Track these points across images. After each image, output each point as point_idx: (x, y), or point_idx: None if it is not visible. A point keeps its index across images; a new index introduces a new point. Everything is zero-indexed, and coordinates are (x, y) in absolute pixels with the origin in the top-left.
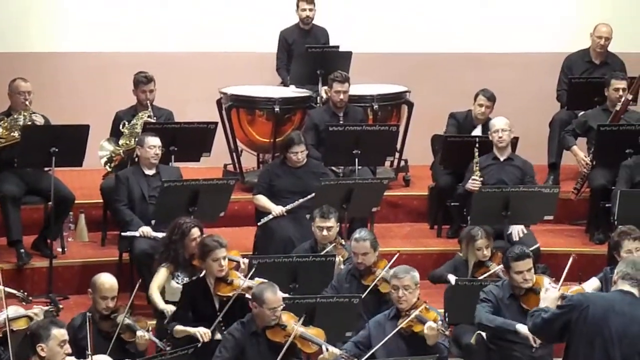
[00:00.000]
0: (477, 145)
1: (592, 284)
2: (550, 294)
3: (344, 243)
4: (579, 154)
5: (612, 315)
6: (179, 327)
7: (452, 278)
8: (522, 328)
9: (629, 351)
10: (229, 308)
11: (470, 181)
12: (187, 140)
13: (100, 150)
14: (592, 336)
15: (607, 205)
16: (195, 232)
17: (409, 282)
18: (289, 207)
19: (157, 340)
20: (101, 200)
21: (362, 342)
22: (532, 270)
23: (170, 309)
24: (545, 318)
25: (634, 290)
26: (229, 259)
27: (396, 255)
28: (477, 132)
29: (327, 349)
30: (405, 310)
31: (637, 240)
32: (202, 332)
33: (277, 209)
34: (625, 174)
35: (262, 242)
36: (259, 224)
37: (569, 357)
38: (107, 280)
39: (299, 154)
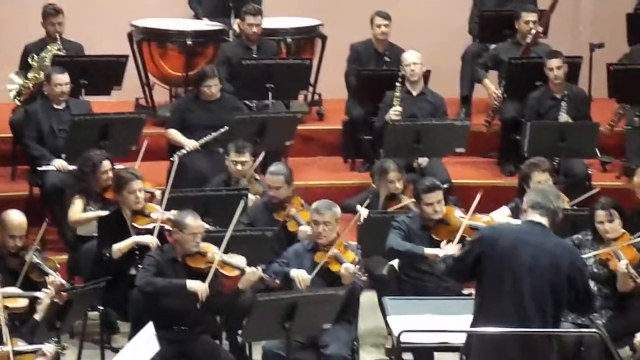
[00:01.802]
0: (399, 78)
1: (502, 213)
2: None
3: (258, 178)
4: (490, 86)
5: (522, 247)
6: (117, 246)
7: (361, 209)
8: (430, 251)
9: (538, 282)
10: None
11: (392, 111)
12: (98, 73)
13: (8, 83)
14: (503, 268)
15: (517, 137)
16: (106, 164)
17: (330, 218)
18: (202, 141)
19: (65, 283)
20: (10, 135)
21: (285, 264)
22: (442, 202)
23: (98, 214)
24: (457, 257)
25: (544, 220)
26: (144, 191)
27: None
28: (383, 65)
29: (249, 271)
30: (324, 246)
31: (546, 171)
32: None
33: (190, 143)
34: (530, 106)
35: (175, 176)
36: (171, 158)
37: (480, 290)
38: (15, 218)
39: (213, 87)
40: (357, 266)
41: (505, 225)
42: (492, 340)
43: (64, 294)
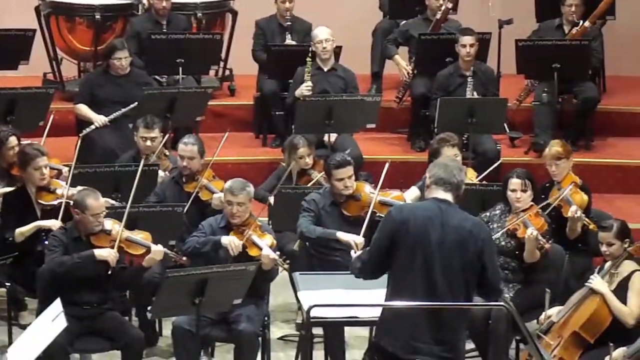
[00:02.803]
0: (310, 54)
1: (412, 194)
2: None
3: (167, 154)
4: (400, 62)
5: (431, 226)
6: (20, 230)
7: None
8: (342, 235)
9: (448, 260)
10: (51, 217)
11: (303, 86)
12: (4, 48)
13: None
14: (414, 248)
15: (427, 113)
16: (13, 140)
17: (244, 198)
18: (111, 117)
19: None
20: None
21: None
22: (353, 178)
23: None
24: (369, 249)
25: (448, 196)
26: (50, 167)
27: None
28: (288, 39)
29: (154, 249)
30: (237, 226)
31: (455, 147)
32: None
33: (99, 119)
34: (439, 83)
35: (84, 152)
36: (80, 134)
37: (392, 270)
38: None
39: (122, 60)
40: (277, 252)
41: (412, 205)
42: (402, 318)
43: None
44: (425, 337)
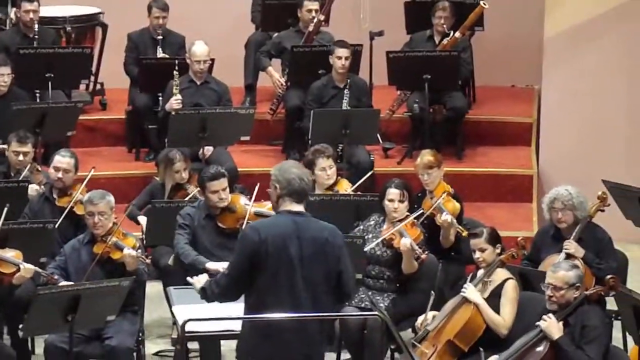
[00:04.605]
0: (176, 67)
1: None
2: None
3: (39, 168)
4: (274, 74)
5: (289, 242)
6: None
7: (142, 219)
8: (212, 265)
9: (310, 274)
10: None
11: (172, 100)
12: None
13: None
14: (276, 268)
15: (301, 125)
16: None
17: (104, 207)
18: None
19: None
20: None
21: (62, 267)
22: (227, 190)
23: None
24: (227, 273)
25: (300, 207)
26: None
27: (90, 172)
28: (160, 52)
29: (23, 267)
30: (102, 236)
31: (330, 158)
32: None
33: None
34: (313, 95)
35: None
36: None
37: (253, 290)
38: None
39: (5, 76)
40: (139, 250)
41: (267, 222)
42: (267, 336)
43: None
44: (291, 354)
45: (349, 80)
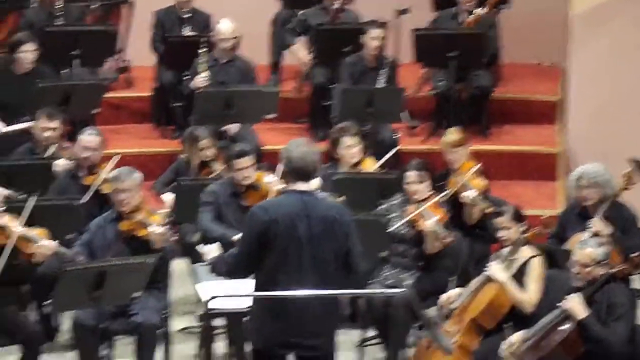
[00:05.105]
0: (202, 45)
1: (314, 182)
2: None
3: (66, 145)
4: (299, 52)
5: (298, 221)
6: None
7: (167, 197)
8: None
9: (319, 253)
10: None
11: (198, 78)
12: None
13: None
14: (285, 247)
15: (327, 103)
16: None
17: (131, 185)
18: (7, 129)
19: None
20: None
21: (87, 244)
22: (253, 168)
23: None
24: (236, 251)
25: (307, 186)
26: None
27: (117, 158)
28: (186, 30)
29: (45, 245)
30: (128, 213)
31: (355, 136)
32: None
33: None
34: (346, 71)
35: None
36: None
37: (262, 269)
38: None
39: (29, 53)
40: (165, 227)
41: (276, 202)
42: (276, 314)
43: None
44: (300, 331)
45: (384, 61)
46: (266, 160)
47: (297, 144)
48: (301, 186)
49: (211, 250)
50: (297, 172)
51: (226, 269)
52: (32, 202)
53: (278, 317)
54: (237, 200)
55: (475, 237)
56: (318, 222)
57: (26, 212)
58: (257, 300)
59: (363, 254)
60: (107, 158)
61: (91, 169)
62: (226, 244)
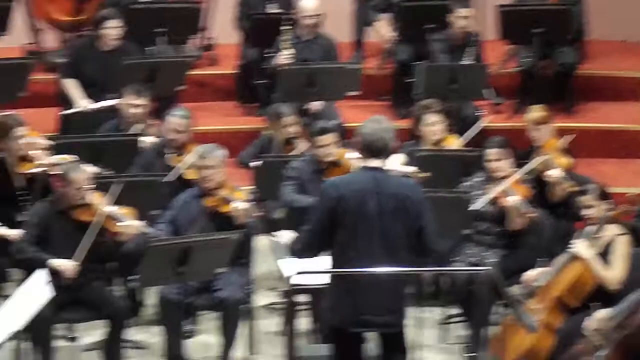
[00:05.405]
0: (286, 21)
1: (398, 159)
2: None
3: (151, 122)
4: (382, 29)
5: (368, 198)
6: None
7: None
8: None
9: (389, 230)
10: (32, 187)
11: (281, 55)
12: None
13: None
14: (354, 223)
15: (409, 80)
16: None
17: (214, 161)
18: (95, 105)
19: None
20: None
21: (171, 221)
22: (336, 144)
23: None
24: (308, 229)
25: (379, 162)
26: (29, 140)
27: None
28: (270, 7)
29: (132, 224)
30: (211, 190)
31: (437, 113)
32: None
33: (82, 103)
34: (437, 47)
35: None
36: (60, 113)
37: (336, 246)
38: None
39: (114, 30)
40: (248, 203)
41: (347, 178)
42: (349, 292)
43: None
44: (372, 308)
45: (471, 38)
46: (349, 137)
47: (371, 120)
48: (373, 162)
49: (283, 235)
50: (368, 148)
51: (300, 246)
52: (118, 187)
53: (350, 294)
54: (319, 176)
55: (559, 215)
56: (389, 199)
57: (114, 193)
58: (330, 277)
59: (438, 233)
60: (195, 137)
61: (178, 149)
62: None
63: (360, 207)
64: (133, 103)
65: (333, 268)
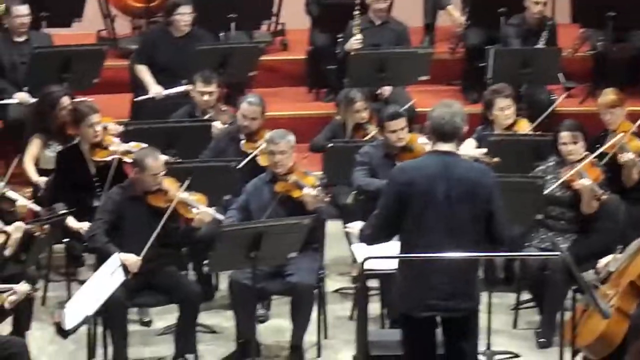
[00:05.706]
0: (356, 7)
1: (469, 145)
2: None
3: (224, 108)
4: (453, 13)
5: (436, 182)
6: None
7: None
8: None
9: (457, 215)
10: (106, 173)
11: (352, 40)
12: (58, 5)
13: None
14: (422, 208)
15: (480, 64)
16: (65, 100)
17: (285, 146)
18: (168, 92)
19: (37, 207)
20: None
21: (243, 207)
22: (406, 129)
23: (42, 180)
24: (377, 214)
25: (449, 146)
26: (103, 125)
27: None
28: None
29: (204, 211)
30: (282, 175)
31: (508, 97)
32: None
33: (155, 90)
34: (513, 31)
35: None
36: (134, 99)
37: (402, 231)
38: None
39: (186, 16)
40: (319, 188)
41: (415, 163)
42: (415, 275)
43: (44, 226)
44: (441, 293)
45: (546, 22)
46: (419, 122)
47: (441, 105)
48: (442, 147)
49: (354, 227)
50: (436, 132)
51: (369, 232)
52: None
53: (417, 279)
54: (390, 161)
55: (633, 200)
56: (458, 183)
57: (188, 181)
58: (398, 263)
59: (508, 220)
60: (268, 122)
61: (251, 136)
62: None
63: (429, 191)
64: (203, 90)
65: (401, 253)
